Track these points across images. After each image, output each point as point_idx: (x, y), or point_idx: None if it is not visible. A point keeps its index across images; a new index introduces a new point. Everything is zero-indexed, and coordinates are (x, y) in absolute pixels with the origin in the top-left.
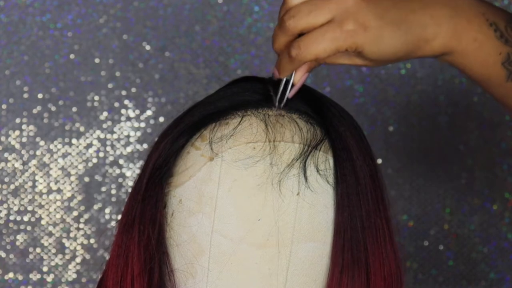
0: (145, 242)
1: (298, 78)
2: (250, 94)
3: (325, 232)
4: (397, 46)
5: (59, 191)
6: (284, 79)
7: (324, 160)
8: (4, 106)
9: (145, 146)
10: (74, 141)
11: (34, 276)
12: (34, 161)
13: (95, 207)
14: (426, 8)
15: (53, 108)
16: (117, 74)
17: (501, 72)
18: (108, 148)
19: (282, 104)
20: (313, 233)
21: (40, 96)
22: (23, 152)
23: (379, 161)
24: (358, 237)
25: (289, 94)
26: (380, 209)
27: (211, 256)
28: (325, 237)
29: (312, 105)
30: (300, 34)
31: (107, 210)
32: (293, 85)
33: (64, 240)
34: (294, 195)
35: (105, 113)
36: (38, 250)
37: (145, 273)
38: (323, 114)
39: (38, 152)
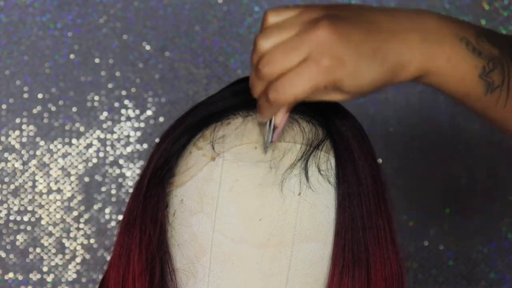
0: (146, 242)
1: (279, 121)
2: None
3: (326, 232)
4: (375, 77)
5: (59, 191)
6: (269, 122)
7: (326, 160)
8: (4, 106)
9: (145, 146)
10: (74, 141)
11: (34, 276)
12: (34, 161)
13: (95, 207)
14: (396, 36)
15: (53, 108)
16: (117, 74)
17: (479, 85)
18: (108, 148)
19: (267, 149)
20: (314, 233)
21: (40, 96)
22: (23, 152)
23: (379, 161)
24: (359, 237)
25: (273, 137)
26: (381, 210)
27: (212, 256)
28: (326, 237)
29: (314, 105)
30: None
31: (107, 210)
32: (275, 127)
33: (64, 240)
34: (296, 195)
35: (105, 113)
36: (38, 250)
37: (147, 272)
38: (325, 114)
39: (38, 152)
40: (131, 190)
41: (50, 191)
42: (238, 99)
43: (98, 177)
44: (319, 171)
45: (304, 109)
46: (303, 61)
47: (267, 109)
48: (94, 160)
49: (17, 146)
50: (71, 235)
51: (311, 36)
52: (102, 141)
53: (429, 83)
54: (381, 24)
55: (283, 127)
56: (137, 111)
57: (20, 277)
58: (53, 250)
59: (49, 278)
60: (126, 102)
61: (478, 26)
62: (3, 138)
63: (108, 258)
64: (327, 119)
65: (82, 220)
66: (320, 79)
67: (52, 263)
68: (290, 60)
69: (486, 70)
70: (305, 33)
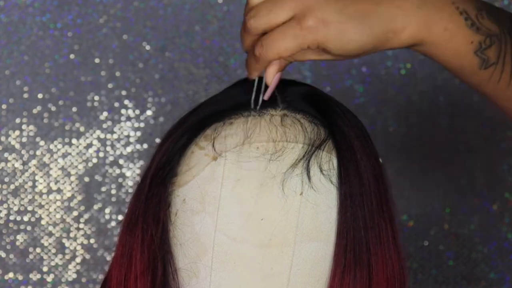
0: (148, 241)
1: (270, 78)
2: None
3: (328, 232)
4: (362, 39)
5: (59, 191)
6: (257, 80)
7: (328, 160)
8: (4, 106)
9: (145, 146)
10: (74, 141)
11: (34, 276)
12: (34, 161)
13: (95, 207)
14: (393, 0)
15: (53, 108)
16: (117, 74)
17: (474, 60)
18: (108, 148)
19: (258, 106)
20: (316, 233)
21: (40, 96)
22: (23, 152)
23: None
24: (361, 238)
25: (265, 96)
26: (383, 210)
27: (214, 256)
28: (328, 237)
29: (316, 105)
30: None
31: (107, 210)
32: (267, 87)
33: (64, 240)
34: (297, 195)
35: (105, 113)
36: (38, 250)
37: (149, 272)
38: (327, 114)
39: (38, 152)
40: (131, 190)
41: (50, 191)
42: (241, 99)
43: (98, 177)
44: (321, 171)
45: (307, 109)
46: (289, 19)
47: (254, 64)
48: (94, 160)
49: (17, 146)
50: (71, 235)
51: None
52: (102, 141)
53: (423, 52)
54: None
55: (274, 86)
56: (137, 111)
57: (20, 277)
58: (53, 250)
59: (49, 278)
60: (126, 102)
61: (482, 1)
62: (3, 138)
63: (108, 258)
64: (329, 119)
65: (82, 220)
66: (302, 39)
67: (52, 263)
68: (276, 17)
69: (482, 46)
70: None
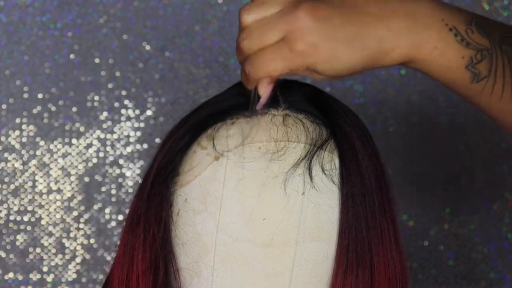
0: (150, 241)
1: (262, 92)
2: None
3: (330, 232)
4: (351, 62)
5: (59, 191)
6: (253, 90)
7: (330, 160)
8: (4, 106)
9: (145, 146)
10: (74, 141)
11: (34, 276)
12: (34, 161)
13: (95, 207)
14: (382, 21)
15: (53, 108)
16: (117, 74)
17: (465, 75)
18: (108, 148)
19: (254, 112)
20: (318, 233)
21: (40, 96)
22: (23, 152)
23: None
24: (363, 237)
25: (257, 106)
26: (385, 210)
27: (216, 255)
28: (330, 237)
29: (318, 105)
30: None
31: (107, 210)
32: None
33: (64, 240)
34: (299, 195)
35: (105, 113)
36: (38, 250)
37: (151, 272)
38: (329, 114)
39: (38, 152)
40: (131, 190)
41: (50, 191)
42: (242, 98)
43: (98, 177)
44: (323, 170)
45: (308, 109)
46: (279, 40)
47: (246, 80)
48: (94, 160)
49: (17, 146)
50: (71, 235)
51: (290, 17)
52: (102, 141)
53: (415, 68)
54: (368, 8)
55: (266, 98)
56: (137, 111)
57: (20, 277)
58: (53, 250)
59: (49, 278)
60: (126, 102)
61: (472, 14)
62: (3, 138)
63: (108, 258)
64: (331, 119)
65: (82, 220)
66: (292, 62)
67: (52, 263)
68: (267, 38)
69: (473, 61)
70: (285, 13)
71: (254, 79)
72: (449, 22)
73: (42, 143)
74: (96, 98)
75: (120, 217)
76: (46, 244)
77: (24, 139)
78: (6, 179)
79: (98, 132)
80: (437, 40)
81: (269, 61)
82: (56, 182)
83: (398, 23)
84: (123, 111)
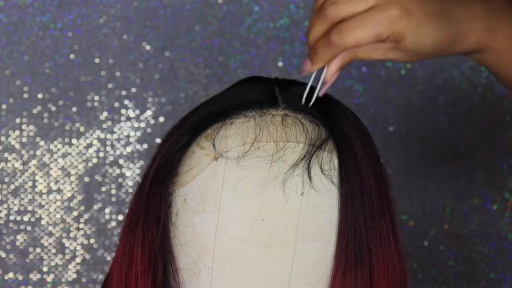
0: (149, 241)
1: (330, 75)
2: (255, 94)
3: (329, 232)
4: (436, 38)
5: (59, 191)
6: (312, 78)
7: (329, 160)
8: (4, 106)
9: (145, 146)
10: (74, 141)
11: (34, 276)
12: (34, 161)
13: (95, 207)
14: (463, 4)
15: (53, 108)
16: (117, 74)
17: None
18: (108, 148)
19: (311, 103)
20: (317, 233)
21: (40, 96)
22: (23, 152)
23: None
24: (362, 238)
25: (320, 92)
26: (384, 210)
27: (215, 256)
28: (329, 237)
29: (317, 105)
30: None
31: (107, 210)
32: (322, 84)
33: (64, 240)
34: (298, 195)
35: (105, 113)
36: (38, 250)
37: (149, 272)
38: (328, 114)
39: (38, 152)
40: (131, 190)
41: (50, 191)
42: (241, 98)
43: (98, 177)
44: (322, 171)
45: (308, 109)
46: (370, 8)
47: (326, 52)
48: (94, 160)
49: (17, 146)
50: (71, 235)
51: None
52: (102, 141)
53: (483, 60)
54: None
55: (332, 82)
56: (137, 111)
57: (20, 277)
58: (53, 250)
59: (49, 278)
60: (126, 102)
61: None
62: (3, 138)
63: (108, 258)
64: (330, 119)
65: (82, 220)
66: (385, 28)
67: (52, 263)
68: (358, 5)
69: None
70: None
71: (340, 48)
72: None
73: (42, 143)
74: (96, 98)
75: (120, 217)
76: (46, 244)
77: (24, 139)
78: (6, 179)
79: (98, 132)
80: (510, 29)
81: (360, 28)
82: (56, 182)
83: (475, 8)
84: (123, 111)
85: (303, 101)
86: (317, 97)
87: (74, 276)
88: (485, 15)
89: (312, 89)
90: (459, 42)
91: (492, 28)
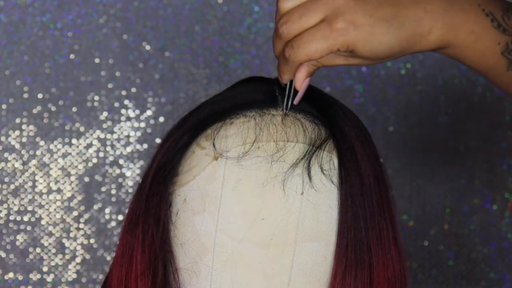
0: (149, 241)
1: (299, 83)
2: (255, 94)
3: (329, 232)
4: (390, 42)
5: (59, 191)
6: (289, 85)
7: (329, 160)
8: (4, 106)
9: (145, 146)
10: (74, 141)
11: (34, 276)
12: (34, 161)
13: (95, 207)
14: (420, 3)
15: (53, 108)
16: (117, 74)
17: (501, 62)
18: (108, 148)
19: (287, 110)
20: (317, 233)
21: (40, 96)
22: (23, 152)
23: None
24: (362, 238)
25: (295, 100)
26: (384, 210)
27: (215, 255)
28: (329, 237)
29: (317, 105)
30: None
31: (107, 210)
32: (296, 91)
33: (64, 240)
34: (298, 195)
35: (105, 113)
36: (38, 250)
37: (149, 272)
38: (328, 114)
39: (38, 152)
40: (131, 190)
41: (50, 191)
42: (241, 98)
43: (98, 177)
44: (321, 170)
45: (307, 109)
46: (319, 22)
47: (285, 68)
48: (94, 160)
49: (17, 146)
50: (71, 235)
51: None
52: (102, 141)
53: (449, 54)
54: None
55: (303, 91)
56: (137, 111)
57: (20, 277)
58: (53, 250)
59: (49, 278)
60: (126, 102)
61: (508, 2)
62: (3, 138)
63: (108, 258)
64: (330, 119)
65: (82, 220)
66: (332, 41)
67: (52, 263)
68: (307, 21)
69: (510, 47)
70: None
71: (294, 62)
72: (486, 7)
73: (42, 143)
74: (96, 98)
75: (120, 217)
76: (46, 244)
77: (24, 139)
78: (6, 179)
79: (98, 132)
80: (473, 24)
81: (309, 42)
82: (56, 182)
83: (435, 5)
84: (123, 111)
85: (283, 108)
86: (292, 104)
87: (74, 276)
88: (445, 12)
89: (295, 93)
90: (419, 42)
91: (453, 24)
